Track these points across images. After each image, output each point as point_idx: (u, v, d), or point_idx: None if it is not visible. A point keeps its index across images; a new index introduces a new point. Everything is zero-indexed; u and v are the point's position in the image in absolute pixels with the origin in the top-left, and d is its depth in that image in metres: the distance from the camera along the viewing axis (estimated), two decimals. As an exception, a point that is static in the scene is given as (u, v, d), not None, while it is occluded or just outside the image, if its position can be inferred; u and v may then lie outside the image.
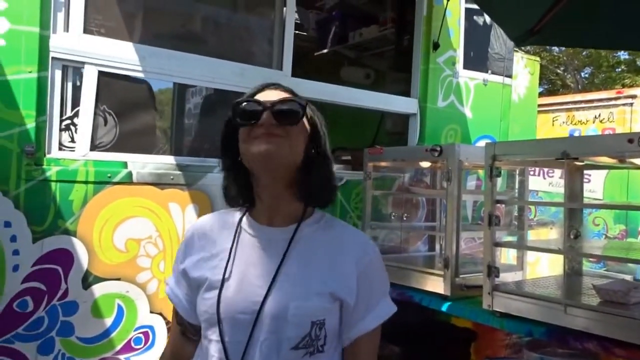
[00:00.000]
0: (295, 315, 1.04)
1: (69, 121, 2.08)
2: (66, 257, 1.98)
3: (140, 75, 2.22)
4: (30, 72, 1.89)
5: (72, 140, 2.08)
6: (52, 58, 1.98)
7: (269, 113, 1.08)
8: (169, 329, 2.21)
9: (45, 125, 1.96)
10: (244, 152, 1.10)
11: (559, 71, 16.03)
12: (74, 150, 2.06)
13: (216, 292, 1.09)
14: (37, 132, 1.91)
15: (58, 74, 2.02)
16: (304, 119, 1.12)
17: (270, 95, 1.13)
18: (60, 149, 2.04)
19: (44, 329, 1.94)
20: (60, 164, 1.98)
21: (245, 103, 1.11)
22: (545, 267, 3.27)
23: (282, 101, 1.10)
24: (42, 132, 1.95)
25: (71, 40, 2.02)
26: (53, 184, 1.94)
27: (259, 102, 1.09)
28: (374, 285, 1.14)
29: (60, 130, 2.05)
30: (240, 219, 1.18)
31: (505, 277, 2.00)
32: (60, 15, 2.00)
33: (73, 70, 2.08)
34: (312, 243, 1.13)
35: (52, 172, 1.94)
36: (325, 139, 1.18)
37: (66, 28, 2.02)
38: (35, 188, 1.91)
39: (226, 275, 1.10)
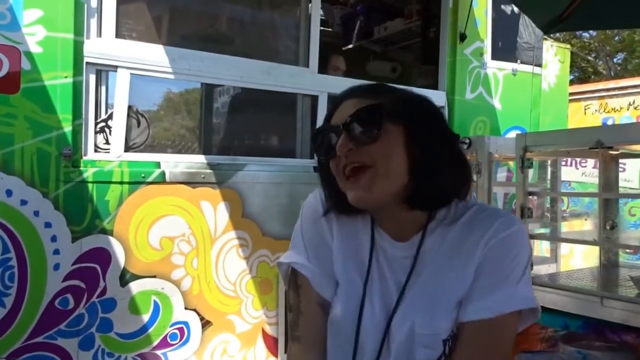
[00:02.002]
0: (422, 335, 0.90)
1: (103, 124, 2.14)
2: (104, 256, 2.04)
3: (170, 76, 2.26)
4: (66, 77, 1.95)
5: (107, 142, 2.14)
6: (87, 63, 2.04)
7: (345, 137, 0.88)
8: (203, 325, 2.26)
9: (81, 128, 2.02)
10: (342, 188, 0.94)
11: (590, 58, 15.58)
12: (109, 152, 2.12)
13: (351, 306, 0.96)
14: (74, 135, 1.98)
15: (92, 78, 2.08)
16: (390, 122, 0.89)
17: (345, 111, 0.91)
18: (96, 150, 2.10)
19: (85, 326, 2.01)
20: (96, 165, 2.04)
21: (318, 134, 0.95)
22: (579, 259, 3.20)
23: (355, 114, 0.89)
24: (79, 135, 2.01)
25: (104, 45, 2.08)
26: (90, 185, 2.01)
27: (332, 128, 0.91)
28: (499, 267, 0.91)
29: (96, 132, 2.11)
30: (373, 224, 0.99)
31: (539, 269, 1.98)
32: (94, 21, 2.06)
33: (106, 74, 2.14)
34: (437, 249, 0.95)
35: (88, 173, 2.01)
36: (435, 127, 0.94)
37: (99, 33, 2.08)
38: (73, 189, 1.97)
39: (366, 294, 0.95)
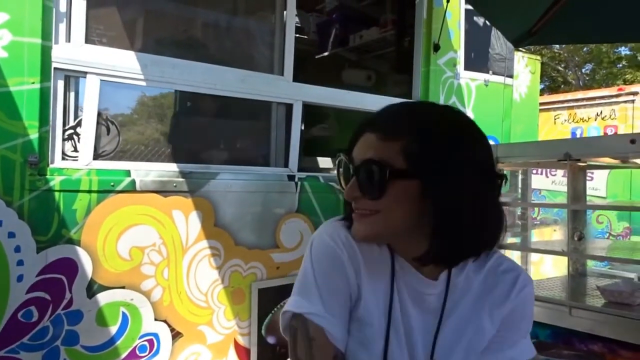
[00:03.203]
0: None
1: (71, 131, 2.09)
2: (70, 267, 1.98)
3: (142, 83, 2.22)
4: (33, 82, 1.90)
5: (75, 150, 2.08)
6: (55, 68, 1.99)
7: (355, 181, 0.87)
8: (174, 336, 2.21)
9: (48, 135, 1.97)
10: None
11: (560, 68, 16.00)
12: (77, 160, 2.07)
13: (375, 349, 0.91)
14: (40, 142, 1.92)
15: (60, 84, 2.03)
16: (399, 179, 0.84)
17: (362, 149, 0.89)
18: (63, 158, 2.05)
19: (49, 339, 1.94)
20: (64, 173, 1.98)
21: (339, 160, 0.93)
22: (549, 266, 3.26)
23: (363, 164, 0.86)
24: (45, 142, 1.95)
25: (73, 50, 2.03)
26: (57, 194, 1.95)
27: (347, 164, 0.89)
28: (520, 322, 0.96)
29: (63, 140, 2.06)
30: (393, 255, 0.94)
31: (510, 279, 1.99)
32: (62, 26, 2.01)
33: (75, 80, 2.09)
34: (464, 294, 0.94)
35: (55, 181, 1.95)
36: (453, 180, 0.83)
37: (68, 38, 2.03)
38: (39, 198, 1.91)
39: (390, 337, 0.91)
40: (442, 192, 0.83)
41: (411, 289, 0.92)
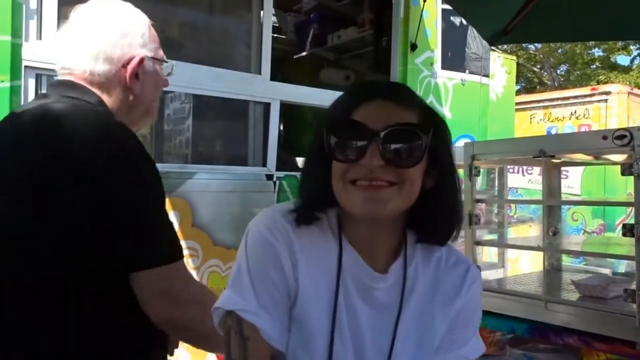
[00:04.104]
0: None
1: (43, 130, 2.04)
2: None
3: (116, 82, 2.18)
4: (2, 81, 1.85)
5: (48, 150, 2.04)
6: (25, 66, 1.95)
7: (376, 149, 0.77)
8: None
9: (19, 135, 1.92)
10: (338, 193, 0.81)
11: (535, 69, 16.28)
12: (49, 160, 2.02)
13: (318, 350, 0.82)
14: (11, 143, 1.87)
15: (32, 82, 1.98)
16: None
17: (379, 115, 0.79)
18: (35, 159, 2.00)
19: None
20: (36, 174, 1.94)
21: (341, 126, 0.81)
22: (526, 262, 3.31)
23: (397, 129, 0.77)
24: (16, 142, 1.91)
25: (44, 48, 1.99)
26: (28, 195, 1.90)
27: (361, 128, 0.78)
28: (470, 319, 0.91)
29: (35, 139, 2.01)
30: (340, 248, 0.85)
31: (487, 275, 2.02)
32: (33, 23, 1.97)
33: (47, 78, 2.04)
34: (414, 288, 0.88)
35: (27, 182, 1.90)
36: (451, 159, 0.86)
37: (39, 36, 1.99)
38: (10, 199, 1.86)
39: (334, 337, 0.83)
40: (445, 163, 0.84)
41: (358, 282, 0.85)
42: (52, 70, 1.99)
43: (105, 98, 1.10)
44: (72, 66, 1.09)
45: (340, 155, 0.79)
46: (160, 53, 1.22)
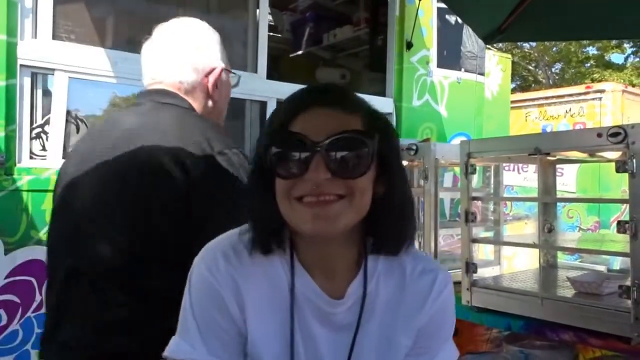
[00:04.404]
0: None
1: (39, 129, 2.04)
2: (40, 268, 1.93)
3: (112, 80, 2.18)
4: (-3, 80, 1.85)
5: (44, 149, 2.03)
6: (21, 65, 1.94)
7: (320, 161, 0.72)
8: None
9: (15, 134, 1.92)
10: (285, 212, 0.76)
11: (530, 67, 16.34)
12: (45, 159, 2.02)
13: None
14: (7, 142, 1.87)
15: (27, 81, 1.98)
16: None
17: (320, 123, 0.74)
18: (31, 157, 2.00)
19: (19, 342, 1.89)
20: (32, 173, 1.93)
21: (280, 139, 0.75)
22: (522, 260, 3.32)
23: (341, 138, 0.72)
24: (12, 141, 1.90)
25: (40, 46, 1.98)
26: (25, 194, 1.90)
27: (301, 140, 0.72)
28: (440, 329, 0.88)
29: (31, 138, 2.01)
30: (292, 276, 0.81)
31: (483, 272, 2.02)
32: (28, 22, 1.96)
33: (43, 77, 2.04)
34: (375, 304, 0.84)
35: (23, 181, 1.90)
36: (400, 164, 0.83)
37: (34, 35, 1.99)
38: (6, 198, 1.86)
39: None
40: (394, 174, 0.80)
41: (314, 308, 0.81)
42: (48, 69, 2.01)
43: (192, 103, 1.24)
44: (163, 77, 1.23)
45: (283, 171, 0.74)
46: (229, 65, 1.36)
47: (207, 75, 1.27)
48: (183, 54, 1.25)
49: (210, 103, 1.28)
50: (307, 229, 0.74)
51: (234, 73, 1.39)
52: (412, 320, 0.84)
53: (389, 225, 0.80)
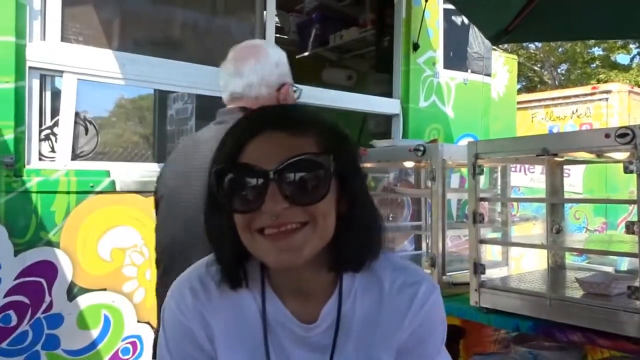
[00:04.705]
0: None
1: (48, 131, 2.05)
2: (49, 269, 1.95)
3: (120, 82, 2.20)
4: (6, 82, 1.86)
5: (53, 150, 2.05)
6: (29, 67, 1.95)
7: (276, 190, 0.69)
8: (156, 338, 2.19)
9: (24, 135, 1.93)
10: (248, 245, 0.74)
11: (536, 68, 16.27)
12: (54, 160, 2.03)
13: None
14: (16, 143, 1.88)
15: (36, 83, 1.99)
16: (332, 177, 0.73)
17: (270, 150, 0.71)
18: (40, 159, 2.01)
19: (29, 343, 1.91)
20: (41, 174, 1.95)
21: (231, 171, 0.72)
22: (530, 261, 3.31)
23: (295, 164, 0.69)
24: (21, 143, 1.92)
25: (48, 48, 2.00)
26: (34, 195, 1.91)
27: (252, 171, 0.70)
28: (424, 343, 0.84)
29: (40, 140, 2.02)
30: (264, 302, 0.80)
31: (491, 273, 2.02)
32: (37, 24, 1.98)
33: (51, 79, 2.05)
34: (352, 322, 0.81)
35: (32, 183, 1.91)
36: (360, 179, 0.80)
37: (43, 37, 2.00)
38: (15, 200, 1.88)
39: None
40: (354, 189, 0.77)
41: (289, 332, 0.80)
42: (56, 70, 2.02)
43: None
44: (242, 92, 1.39)
45: (239, 205, 0.71)
46: (292, 80, 1.51)
47: (279, 90, 1.44)
48: (261, 71, 1.41)
49: None
50: (271, 261, 0.73)
51: (297, 87, 1.53)
52: (392, 338, 0.81)
53: (352, 244, 0.77)
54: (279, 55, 1.48)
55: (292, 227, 0.71)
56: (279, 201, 0.69)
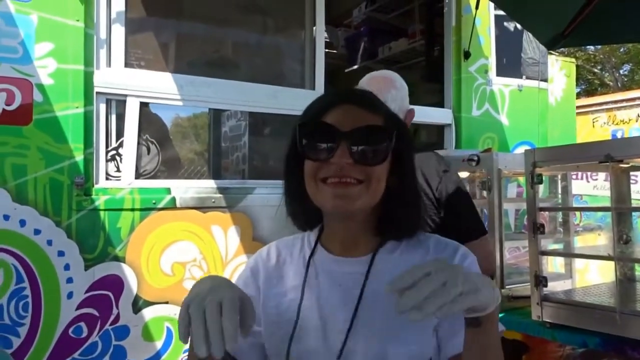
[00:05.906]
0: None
1: (114, 152, 2.17)
2: (116, 283, 2.05)
3: (178, 103, 2.30)
4: (77, 107, 1.99)
5: (118, 170, 2.16)
6: (97, 92, 2.08)
7: (345, 148, 0.83)
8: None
9: (92, 157, 2.05)
10: (311, 191, 0.89)
11: (596, 70, 15.58)
12: (120, 179, 2.14)
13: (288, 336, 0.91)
14: (86, 164, 2.00)
15: (102, 107, 2.11)
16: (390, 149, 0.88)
17: (347, 118, 0.86)
18: (107, 178, 2.13)
19: (98, 354, 2.00)
20: (108, 193, 2.06)
21: (312, 128, 0.88)
22: (595, 274, 3.15)
23: (364, 130, 0.84)
24: (90, 164, 2.04)
25: (113, 74, 2.12)
26: (102, 213, 2.02)
27: (330, 129, 0.85)
28: None
29: (107, 160, 2.14)
30: (313, 251, 0.96)
31: (554, 286, 1.95)
32: (103, 52, 2.10)
33: (116, 102, 2.17)
34: (391, 270, 0.89)
35: (100, 201, 2.02)
36: (412, 162, 0.94)
37: (108, 63, 2.12)
38: (85, 217, 1.99)
39: (299, 319, 0.91)
40: (407, 168, 0.92)
41: (328, 269, 0.94)
42: (121, 95, 2.14)
43: None
44: None
45: (312, 154, 0.86)
46: None
47: (405, 114, 1.74)
48: (400, 101, 1.71)
49: None
50: (328, 206, 0.87)
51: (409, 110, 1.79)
52: None
53: (396, 212, 0.92)
54: (403, 83, 1.77)
55: (351, 180, 0.85)
56: (346, 157, 0.83)
